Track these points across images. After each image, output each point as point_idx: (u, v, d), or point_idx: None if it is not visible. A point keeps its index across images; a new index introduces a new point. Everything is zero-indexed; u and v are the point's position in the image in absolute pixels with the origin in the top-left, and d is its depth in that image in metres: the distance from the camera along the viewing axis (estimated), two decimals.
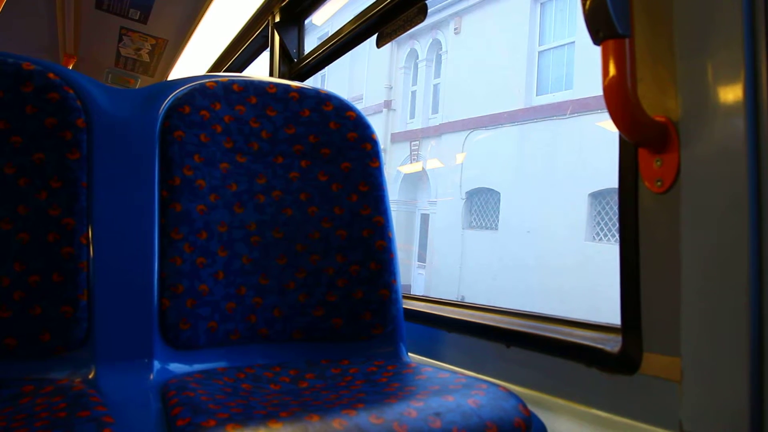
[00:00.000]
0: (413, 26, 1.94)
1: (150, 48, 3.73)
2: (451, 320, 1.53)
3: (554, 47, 10.65)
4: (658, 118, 0.96)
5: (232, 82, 1.40)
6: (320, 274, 1.37)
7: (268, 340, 1.33)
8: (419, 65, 14.68)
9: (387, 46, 13.93)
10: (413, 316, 1.61)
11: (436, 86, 14.22)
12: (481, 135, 12.16)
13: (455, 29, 13.12)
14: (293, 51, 2.72)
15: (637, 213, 1.03)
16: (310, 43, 2.63)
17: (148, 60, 3.94)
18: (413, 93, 15.02)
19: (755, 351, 0.81)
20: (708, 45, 0.87)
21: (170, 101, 1.31)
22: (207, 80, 1.37)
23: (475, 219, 12.44)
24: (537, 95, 11.01)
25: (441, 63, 13.88)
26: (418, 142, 14.30)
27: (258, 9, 2.89)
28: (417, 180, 14.60)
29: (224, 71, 3.65)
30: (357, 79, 16.25)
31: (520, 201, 10.85)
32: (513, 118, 11.22)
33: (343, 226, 1.40)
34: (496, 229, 11.67)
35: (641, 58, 0.98)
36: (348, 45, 2.38)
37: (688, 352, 0.90)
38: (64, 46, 3.80)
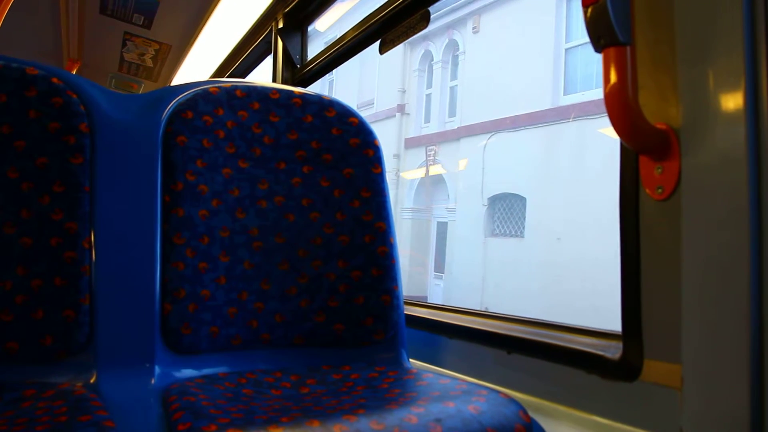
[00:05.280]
0: (416, 33, 1.94)
1: (153, 53, 3.74)
2: (452, 326, 1.53)
3: (583, 44, 9.88)
4: (659, 126, 0.97)
5: (235, 87, 1.40)
6: (322, 280, 1.37)
7: (269, 346, 1.33)
8: (434, 67, 14.09)
9: (399, 49, 13.49)
10: (414, 322, 1.61)
11: (453, 88, 13.59)
12: (504, 138, 11.44)
13: (474, 28, 12.50)
14: (296, 57, 2.73)
15: (637, 220, 1.03)
16: (317, 48, 2.63)
17: (152, 65, 3.95)
18: (428, 96, 14.42)
19: (756, 358, 0.81)
20: (709, 53, 0.88)
21: (173, 106, 1.32)
22: (210, 86, 1.38)
23: (498, 226, 11.72)
24: (564, 94, 10.29)
25: (458, 64, 13.28)
26: (434, 147, 13.72)
27: (261, 15, 2.90)
28: (433, 186, 14.03)
29: (227, 77, 3.66)
30: (367, 83, 15.78)
31: (548, 207, 10.10)
32: (539, 119, 10.54)
33: (345, 232, 1.40)
34: (522, 237, 10.97)
35: (642, 65, 0.99)
36: (351, 51, 2.39)
37: (689, 359, 0.90)
38: (68, 50, 3.81)
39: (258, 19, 2.95)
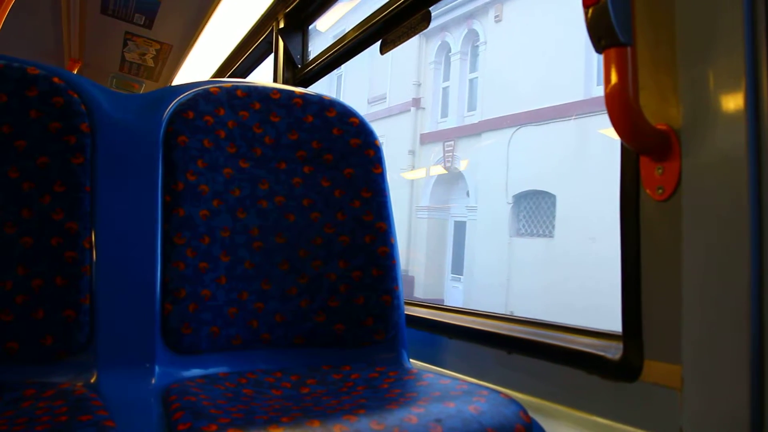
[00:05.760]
0: (417, 33, 1.95)
1: (154, 53, 3.74)
2: (453, 327, 1.53)
3: None
4: (659, 126, 0.97)
5: (236, 87, 1.40)
6: (322, 280, 1.37)
7: (269, 346, 1.33)
8: (452, 59, 13.48)
9: (414, 40, 12.86)
10: (415, 322, 1.61)
11: (472, 81, 13.00)
12: (530, 132, 10.83)
13: (496, 17, 11.92)
14: (297, 57, 2.73)
15: (638, 220, 1.04)
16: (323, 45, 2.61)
17: (153, 65, 3.95)
18: (445, 90, 13.87)
19: (756, 359, 0.81)
20: (709, 53, 0.88)
21: (174, 106, 1.32)
22: (211, 86, 1.38)
23: (524, 225, 11.15)
24: (598, 85, 9.35)
25: (478, 55, 12.67)
26: (452, 143, 13.10)
27: (262, 15, 2.90)
28: (450, 184, 13.47)
29: (228, 77, 3.66)
30: (379, 77, 15.17)
31: (581, 205, 9.47)
32: (570, 111, 10.01)
33: (346, 232, 1.40)
34: (552, 237, 10.44)
35: (643, 66, 0.99)
36: (352, 51, 2.39)
37: (689, 360, 0.90)
38: (69, 50, 3.82)
39: (259, 19, 2.96)
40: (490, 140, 11.83)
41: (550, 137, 10.24)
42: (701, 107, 0.89)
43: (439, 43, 13.76)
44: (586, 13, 0.94)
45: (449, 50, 13.60)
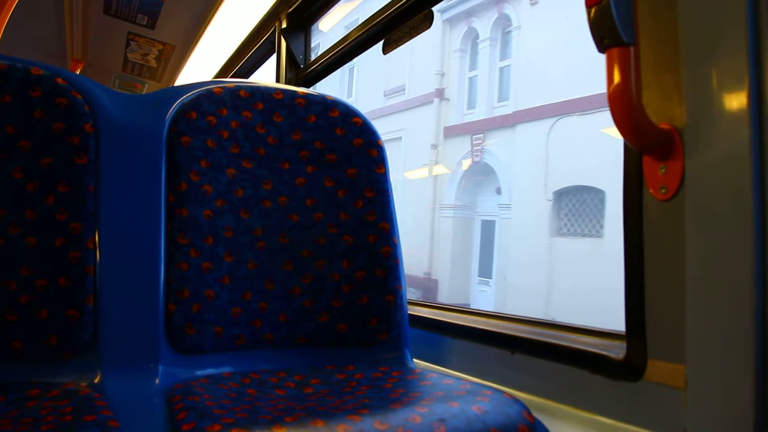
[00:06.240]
0: (419, 33, 1.95)
1: (157, 53, 3.74)
2: (456, 326, 1.53)
3: None
4: (662, 126, 0.97)
5: (239, 87, 1.40)
6: (326, 280, 1.38)
7: (273, 346, 1.33)
8: (480, 46, 12.41)
9: (437, 27, 12.30)
10: (418, 322, 1.61)
11: (503, 69, 12.03)
12: (573, 122, 9.94)
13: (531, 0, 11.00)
14: (300, 57, 2.73)
15: (641, 220, 1.03)
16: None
17: (156, 65, 3.96)
18: (471, 79, 12.85)
19: (760, 358, 0.81)
20: (712, 52, 0.88)
21: (177, 107, 1.32)
22: (214, 86, 1.38)
23: (567, 224, 10.27)
24: None
25: (510, 41, 11.66)
26: (481, 135, 12.09)
27: (265, 15, 2.91)
28: (479, 180, 12.45)
29: (231, 77, 3.66)
30: (396, 67, 14.13)
31: None
32: None
33: (349, 232, 1.40)
34: (601, 237, 9.63)
35: (646, 65, 0.99)
36: (354, 51, 2.39)
37: (693, 359, 0.90)
38: (72, 51, 3.82)
39: (261, 19, 2.96)
40: (526, 132, 10.90)
41: (597, 128, 9.19)
42: (704, 106, 0.89)
43: (465, 29, 12.87)
44: (588, 13, 0.94)
45: (477, 37, 12.65)
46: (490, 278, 11.88)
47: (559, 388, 1.22)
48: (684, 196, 0.93)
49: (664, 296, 1.00)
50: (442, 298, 12.28)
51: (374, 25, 2.11)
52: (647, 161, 1.01)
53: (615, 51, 0.93)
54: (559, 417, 1.19)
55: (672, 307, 0.97)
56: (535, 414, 1.03)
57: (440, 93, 13.42)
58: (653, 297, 1.02)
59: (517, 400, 1.03)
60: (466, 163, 12.65)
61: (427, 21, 1.90)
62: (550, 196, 10.30)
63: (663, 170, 0.98)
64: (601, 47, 0.94)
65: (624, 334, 1.09)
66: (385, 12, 2.04)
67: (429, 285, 12.79)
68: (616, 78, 0.92)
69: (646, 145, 0.98)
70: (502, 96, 11.93)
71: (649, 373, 1.02)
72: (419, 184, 13.76)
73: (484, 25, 12.29)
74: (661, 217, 1.00)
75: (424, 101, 13.68)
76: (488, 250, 12.08)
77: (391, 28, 2.06)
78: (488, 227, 12.26)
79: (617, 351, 1.10)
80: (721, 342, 0.86)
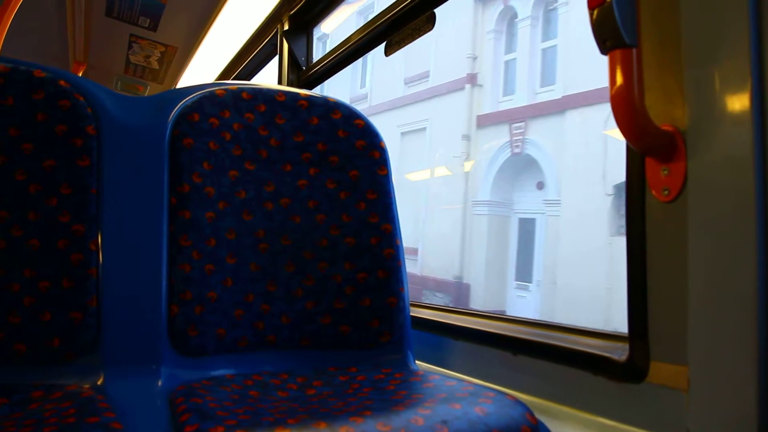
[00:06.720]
0: (422, 35, 1.95)
1: (159, 55, 3.75)
2: (458, 328, 1.53)
3: None
4: (665, 127, 0.97)
5: (241, 90, 1.41)
6: (328, 282, 1.38)
7: (275, 348, 1.33)
8: (519, 26, 11.20)
9: (468, 7, 11.25)
10: (421, 324, 1.61)
11: (547, 51, 10.88)
12: None
13: None
14: (302, 59, 2.73)
15: (644, 221, 1.03)
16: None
17: (158, 67, 3.96)
18: (508, 63, 11.60)
19: (763, 359, 0.81)
20: (715, 54, 0.88)
21: (180, 109, 1.32)
22: (216, 88, 1.38)
23: None
24: None
25: (555, 20, 10.54)
26: (522, 124, 10.86)
27: (267, 17, 2.91)
28: (518, 173, 11.20)
29: (233, 79, 3.67)
30: (419, 52, 12.56)
31: None
32: None
33: (351, 234, 1.40)
34: None
35: (648, 67, 0.99)
36: (357, 53, 2.39)
37: (696, 361, 0.90)
38: (74, 53, 3.83)
39: (263, 21, 2.96)
40: (577, 119, 9.85)
41: None
42: (707, 108, 0.89)
43: (501, 8, 11.60)
44: (591, 14, 0.94)
45: (514, 16, 11.44)
46: (530, 282, 10.85)
47: (562, 389, 1.22)
48: (686, 197, 0.93)
49: (666, 298, 1.00)
50: (476, 305, 11.07)
51: (376, 27, 2.11)
52: (650, 163, 1.01)
53: (618, 53, 0.93)
54: (562, 419, 1.19)
55: (674, 309, 0.97)
56: (538, 416, 1.03)
57: (472, 78, 12.13)
58: (656, 298, 1.02)
59: (519, 402, 1.03)
60: (504, 155, 11.54)
61: (430, 23, 1.90)
62: (611, 190, 9.27)
63: (665, 172, 0.98)
64: (604, 49, 0.94)
65: (626, 335, 1.09)
66: (387, 14, 2.04)
67: (460, 289, 11.32)
68: (619, 80, 0.92)
69: (649, 146, 0.98)
70: (547, 80, 10.87)
71: (651, 374, 1.02)
72: (445, 181, 12.52)
73: (524, 3, 11.11)
74: (663, 219, 1.00)
75: (452, 88, 12.43)
76: (527, 251, 11.04)
77: (394, 30, 2.06)
78: (527, 226, 11.17)
79: (620, 352, 1.10)
80: (723, 344, 0.86)
